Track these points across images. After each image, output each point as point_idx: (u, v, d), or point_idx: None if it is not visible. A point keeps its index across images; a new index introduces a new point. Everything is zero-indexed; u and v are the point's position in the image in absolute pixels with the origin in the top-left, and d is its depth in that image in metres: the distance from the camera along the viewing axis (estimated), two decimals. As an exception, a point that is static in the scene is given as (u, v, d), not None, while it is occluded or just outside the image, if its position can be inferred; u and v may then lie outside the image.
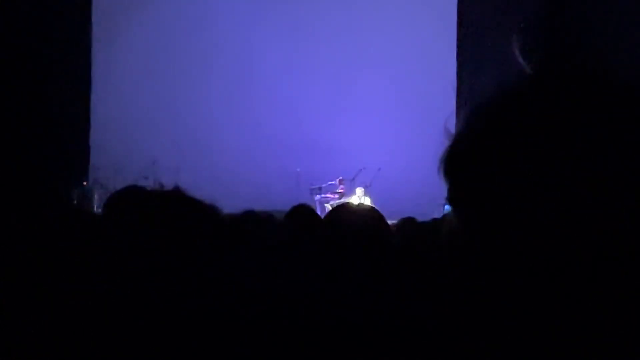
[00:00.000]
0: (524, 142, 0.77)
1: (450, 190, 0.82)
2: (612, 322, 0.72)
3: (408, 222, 4.74)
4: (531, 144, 0.76)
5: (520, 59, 14.46)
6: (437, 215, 8.32)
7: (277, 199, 14.47)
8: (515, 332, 0.75)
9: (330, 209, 4.04)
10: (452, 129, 0.84)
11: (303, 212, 3.62)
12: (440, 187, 0.88)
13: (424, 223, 4.86)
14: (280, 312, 1.87)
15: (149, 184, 14.73)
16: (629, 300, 0.71)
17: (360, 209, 2.71)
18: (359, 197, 14.81)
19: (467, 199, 0.80)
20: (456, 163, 0.82)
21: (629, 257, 0.72)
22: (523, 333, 0.74)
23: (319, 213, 14.87)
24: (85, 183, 15.27)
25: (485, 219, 0.78)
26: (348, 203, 3.48)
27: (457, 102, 16.40)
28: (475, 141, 0.80)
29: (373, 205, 3.00)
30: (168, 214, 2.07)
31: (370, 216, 2.47)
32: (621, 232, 0.72)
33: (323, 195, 15.55)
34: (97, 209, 14.50)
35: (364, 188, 14.96)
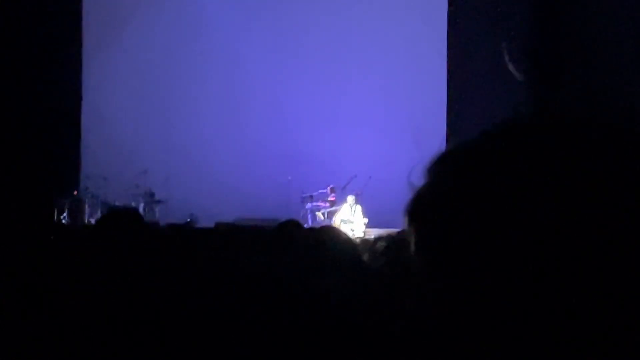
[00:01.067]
0: (493, 193, 0.76)
1: (415, 239, 0.81)
2: (612, 322, 0.71)
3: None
4: (500, 197, 0.75)
5: (511, 66, 14.52)
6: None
7: (268, 208, 14.46)
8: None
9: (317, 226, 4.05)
10: (417, 180, 0.82)
11: (290, 227, 3.63)
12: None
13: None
14: (269, 316, 1.87)
15: (139, 192, 14.74)
16: (629, 300, 0.71)
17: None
18: (350, 205, 14.82)
19: (432, 250, 0.79)
20: (422, 213, 0.81)
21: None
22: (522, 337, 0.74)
23: (310, 221, 14.78)
24: (75, 192, 15.21)
25: (448, 271, 0.77)
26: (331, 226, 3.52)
27: (447, 108, 16.45)
28: (442, 191, 0.79)
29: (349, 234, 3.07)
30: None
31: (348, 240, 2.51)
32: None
33: (314, 204, 15.55)
34: (88, 218, 14.45)
35: (355, 196, 14.96)
